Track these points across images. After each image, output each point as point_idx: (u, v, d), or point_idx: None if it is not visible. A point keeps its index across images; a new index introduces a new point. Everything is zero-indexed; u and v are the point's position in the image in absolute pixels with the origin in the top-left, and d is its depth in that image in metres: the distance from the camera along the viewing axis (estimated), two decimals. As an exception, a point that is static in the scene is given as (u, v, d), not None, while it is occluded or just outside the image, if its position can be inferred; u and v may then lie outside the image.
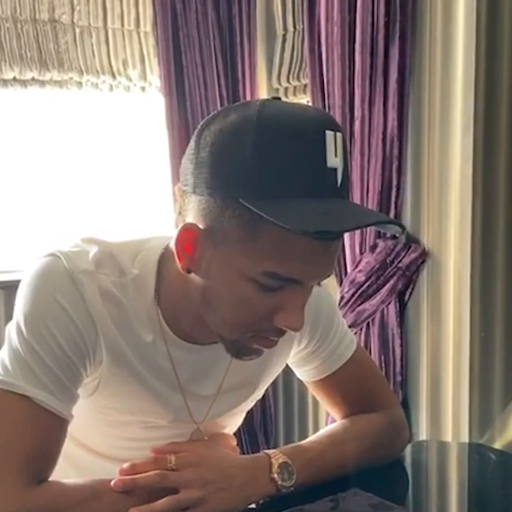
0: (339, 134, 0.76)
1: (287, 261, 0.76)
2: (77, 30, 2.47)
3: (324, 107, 2.37)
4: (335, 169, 0.75)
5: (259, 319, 0.81)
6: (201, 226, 0.79)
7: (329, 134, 0.75)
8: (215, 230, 0.78)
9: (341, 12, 2.22)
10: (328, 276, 0.82)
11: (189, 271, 0.83)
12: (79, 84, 2.50)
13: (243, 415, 1.10)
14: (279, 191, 0.73)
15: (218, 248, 0.79)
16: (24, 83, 2.41)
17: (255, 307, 0.80)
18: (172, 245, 0.84)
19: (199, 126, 0.81)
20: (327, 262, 0.80)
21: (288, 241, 0.74)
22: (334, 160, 0.75)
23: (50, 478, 0.84)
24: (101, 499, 0.82)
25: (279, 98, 0.82)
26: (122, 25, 2.56)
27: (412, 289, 2.23)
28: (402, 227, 0.80)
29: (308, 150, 0.74)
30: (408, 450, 1.12)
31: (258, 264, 0.76)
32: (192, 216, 0.80)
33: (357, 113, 2.23)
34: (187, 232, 0.80)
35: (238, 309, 0.81)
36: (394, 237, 2.21)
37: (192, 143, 0.81)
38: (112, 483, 0.83)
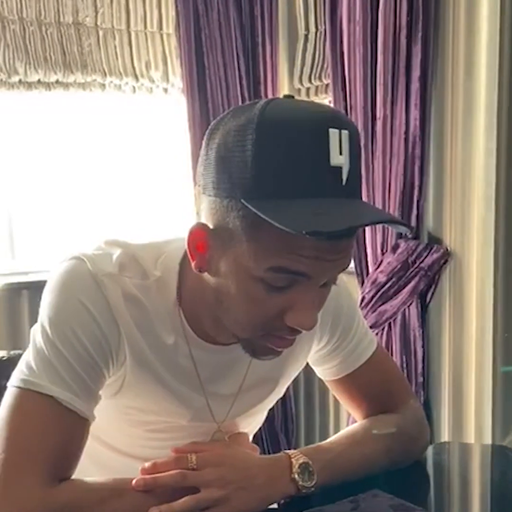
0: (345, 132, 0.75)
1: (292, 255, 0.75)
2: (101, 33, 2.50)
3: (346, 107, 2.36)
4: (340, 168, 0.74)
5: (270, 318, 0.81)
6: (210, 226, 0.80)
7: (332, 132, 0.74)
8: (222, 230, 0.78)
9: (363, 12, 2.22)
10: (342, 271, 0.81)
11: (201, 270, 0.83)
12: (102, 86, 2.53)
13: (264, 414, 1.11)
14: (279, 191, 0.73)
15: (226, 248, 0.79)
16: (48, 85, 2.45)
17: (265, 307, 0.80)
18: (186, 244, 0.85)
19: (209, 128, 0.82)
20: (336, 258, 0.78)
21: (291, 239, 0.73)
22: (338, 158, 0.74)
23: (73, 476, 0.85)
24: (122, 498, 0.83)
25: (292, 96, 0.81)
26: (145, 27, 2.58)
27: (434, 289, 2.22)
28: (407, 226, 0.79)
29: (308, 148, 0.73)
30: (429, 451, 1.11)
31: (263, 261, 0.76)
32: (204, 216, 0.81)
33: (379, 113, 2.22)
34: (198, 232, 0.81)
35: (248, 308, 0.81)
36: (415, 237, 2.20)
37: (203, 144, 0.82)
38: (133, 482, 0.84)
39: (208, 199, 0.79)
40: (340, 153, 0.74)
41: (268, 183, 0.74)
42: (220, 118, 0.81)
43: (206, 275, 0.84)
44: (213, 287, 0.84)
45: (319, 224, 0.71)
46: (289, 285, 0.78)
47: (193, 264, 0.84)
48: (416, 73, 2.12)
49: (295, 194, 0.73)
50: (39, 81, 2.43)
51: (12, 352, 1.22)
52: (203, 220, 0.81)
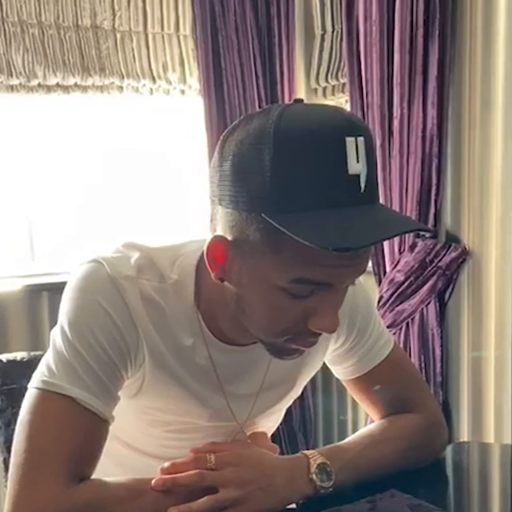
0: (360, 139, 0.75)
1: (314, 267, 0.76)
2: (118, 35, 2.52)
3: (363, 106, 2.36)
4: (358, 175, 0.75)
5: (293, 324, 0.82)
6: (229, 238, 0.80)
7: (349, 140, 0.74)
8: (242, 242, 0.79)
9: (380, 11, 2.21)
10: (362, 274, 0.82)
11: (221, 281, 0.84)
12: (120, 88, 2.54)
13: (282, 414, 1.11)
14: (300, 205, 0.74)
15: (246, 260, 0.80)
16: (66, 88, 2.47)
17: (288, 314, 0.81)
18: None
19: (221, 136, 0.82)
20: (357, 265, 0.79)
21: (314, 252, 0.73)
22: (356, 166, 0.74)
23: (94, 476, 0.86)
24: (142, 498, 0.84)
25: (302, 100, 0.81)
26: (162, 29, 2.59)
27: (452, 289, 2.21)
28: (430, 230, 0.79)
29: (327, 160, 0.73)
30: (448, 451, 1.11)
31: (286, 273, 0.77)
32: (220, 227, 0.81)
33: (396, 111, 2.21)
34: (216, 244, 0.82)
35: (270, 316, 0.82)
36: (433, 236, 2.19)
37: (216, 153, 0.82)
38: (152, 482, 0.84)
39: (225, 211, 0.80)
40: (358, 161, 0.74)
41: (287, 196, 0.74)
42: (232, 128, 0.81)
43: (227, 283, 0.85)
44: (234, 295, 0.84)
45: (345, 239, 0.72)
46: (311, 293, 0.79)
47: (212, 275, 0.84)
48: (433, 71, 2.11)
49: (315, 205, 0.74)
50: (57, 84, 2.44)
51: (32, 354, 1.24)
52: (220, 231, 0.81)
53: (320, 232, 0.72)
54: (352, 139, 0.74)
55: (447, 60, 2.11)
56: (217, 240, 0.82)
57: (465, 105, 2.11)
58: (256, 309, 0.83)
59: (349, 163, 0.74)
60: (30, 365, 0.98)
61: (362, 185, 0.75)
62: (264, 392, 1.00)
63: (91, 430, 0.85)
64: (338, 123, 0.75)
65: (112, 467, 0.98)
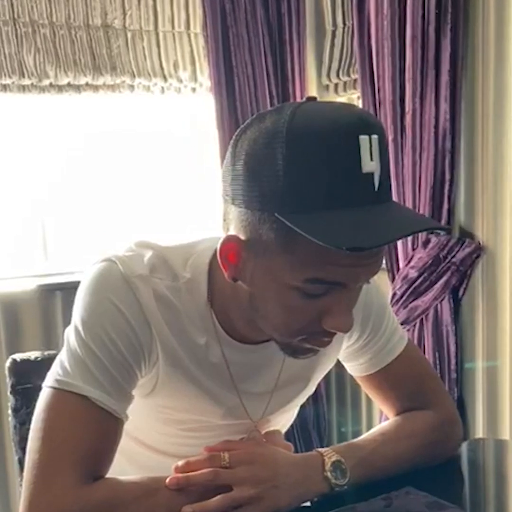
0: (374, 137, 0.74)
1: (328, 267, 0.76)
2: (129, 34, 2.52)
3: (374, 102, 2.35)
4: (372, 174, 0.74)
5: (307, 324, 0.82)
6: (242, 237, 0.80)
7: (363, 138, 0.73)
8: (255, 242, 0.79)
9: (391, 6, 2.20)
10: (375, 273, 0.81)
11: (234, 280, 0.84)
12: (131, 87, 2.55)
13: (296, 411, 1.11)
14: (314, 204, 0.73)
15: (259, 259, 0.80)
16: (78, 88, 2.47)
17: (302, 313, 0.81)
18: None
19: (234, 135, 0.81)
20: (372, 264, 0.79)
21: (329, 252, 0.73)
22: (370, 165, 0.74)
23: (109, 475, 0.86)
24: (156, 496, 0.84)
25: (315, 98, 0.80)
26: (173, 27, 2.59)
27: (467, 284, 2.20)
28: (444, 229, 0.79)
29: (340, 159, 0.73)
30: (464, 448, 1.11)
31: (300, 273, 0.77)
32: (233, 226, 0.81)
33: (408, 107, 2.20)
34: (229, 243, 0.82)
35: (285, 316, 0.82)
36: (446, 233, 2.18)
37: (228, 152, 0.81)
38: (166, 480, 0.84)
39: (238, 210, 0.79)
40: (371, 159, 0.74)
41: (301, 196, 0.74)
42: (245, 127, 0.80)
43: (240, 283, 0.84)
44: (248, 295, 0.84)
45: (360, 239, 0.71)
46: (325, 293, 0.79)
47: (226, 274, 0.84)
48: (445, 66, 2.10)
49: (329, 205, 0.73)
50: (69, 84, 2.45)
51: (46, 353, 1.24)
52: (233, 230, 0.81)
53: (334, 232, 0.71)
54: (366, 137, 0.74)
55: (459, 55, 2.10)
56: (230, 240, 0.82)
57: (478, 99, 2.09)
58: (270, 308, 0.83)
59: (363, 161, 0.73)
60: (44, 365, 0.99)
61: (376, 184, 0.75)
62: (279, 390, 1.00)
63: (105, 429, 0.85)
64: (351, 121, 0.75)
65: (127, 465, 0.99)
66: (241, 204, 0.78)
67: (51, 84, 2.43)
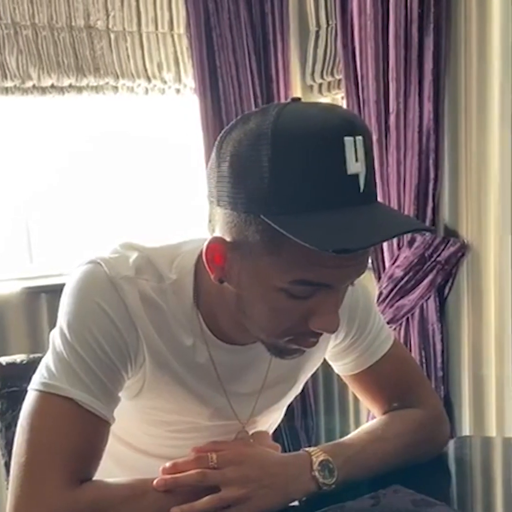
0: (359, 138, 0.74)
1: (315, 268, 0.76)
2: (112, 36, 2.51)
3: (359, 102, 2.36)
4: (357, 175, 0.74)
5: (294, 325, 0.82)
6: (227, 239, 0.80)
7: (348, 140, 0.73)
8: (241, 244, 0.79)
9: (374, 6, 2.21)
10: (361, 274, 0.82)
11: (221, 281, 0.84)
12: (115, 88, 2.54)
13: (283, 411, 1.11)
14: (299, 205, 0.73)
15: (245, 261, 0.80)
16: (61, 90, 2.46)
17: (289, 315, 0.81)
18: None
19: (219, 136, 0.81)
20: (358, 264, 0.79)
21: (314, 254, 0.73)
22: (355, 166, 0.74)
23: (96, 477, 0.85)
24: (144, 498, 0.84)
25: (299, 99, 0.80)
26: (156, 28, 2.59)
27: (452, 283, 2.21)
28: (430, 230, 0.79)
29: (326, 160, 0.73)
30: (450, 445, 1.11)
31: (286, 274, 0.77)
32: (219, 228, 0.81)
33: (392, 106, 2.21)
34: (215, 245, 0.82)
35: (271, 317, 0.82)
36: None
37: (213, 154, 0.81)
38: (154, 482, 0.84)
39: (223, 212, 0.79)
40: (356, 160, 0.74)
41: (286, 197, 0.74)
42: (230, 128, 0.80)
43: (226, 284, 0.84)
44: (234, 296, 0.84)
45: (345, 240, 0.71)
46: (312, 294, 0.79)
47: (212, 276, 0.84)
48: (428, 65, 2.11)
49: (314, 206, 0.73)
50: (52, 85, 2.44)
51: (31, 356, 1.23)
52: (219, 231, 0.81)
53: (320, 234, 0.72)
54: (351, 139, 0.74)
55: (442, 54, 2.11)
56: (216, 241, 0.81)
57: (461, 98, 2.11)
58: (256, 310, 0.83)
59: (348, 163, 0.74)
60: (29, 368, 0.98)
61: (361, 185, 0.75)
62: (266, 390, 1.00)
63: (92, 431, 0.84)
64: (336, 122, 0.75)
65: (114, 467, 0.98)
66: (227, 206, 0.78)
67: (34, 86, 2.41)
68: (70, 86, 2.46)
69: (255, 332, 0.86)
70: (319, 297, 0.79)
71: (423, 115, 2.15)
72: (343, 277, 0.79)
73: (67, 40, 2.43)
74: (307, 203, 0.73)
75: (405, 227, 0.79)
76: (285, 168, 0.73)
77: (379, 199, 0.81)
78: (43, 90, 2.43)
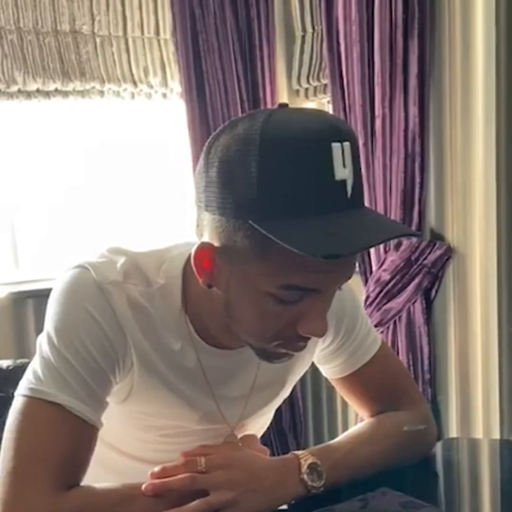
0: (346, 144, 0.75)
1: (303, 273, 0.76)
2: (98, 40, 2.51)
3: (345, 106, 2.37)
4: (345, 181, 0.75)
5: (282, 329, 0.82)
6: (216, 244, 0.80)
7: (335, 146, 0.74)
8: (230, 249, 0.79)
9: (359, 11, 2.22)
10: (349, 278, 0.82)
11: (209, 287, 0.84)
12: (101, 93, 2.53)
13: (272, 415, 1.11)
14: (287, 211, 0.74)
15: (234, 266, 0.80)
16: (47, 94, 2.45)
17: (277, 319, 0.81)
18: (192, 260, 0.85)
19: (207, 142, 0.81)
20: (346, 269, 0.80)
21: (301, 259, 0.73)
22: (342, 172, 0.74)
23: (84, 482, 0.85)
24: (132, 503, 0.83)
25: (287, 105, 0.81)
26: (142, 33, 2.58)
27: (438, 286, 2.22)
28: (417, 235, 0.80)
29: (313, 166, 0.74)
30: (438, 448, 1.12)
31: (275, 279, 0.77)
32: (207, 233, 0.81)
33: (378, 111, 2.22)
34: (203, 250, 0.82)
35: (260, 322, 0.82)
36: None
37: (201, 159, 0.81)
38: (142, 487, 0.84)
39: (211, 217, 0.79)
40: (344, 166, 0.75)
41: (275, 203, 0.74)
42: (218, 133, 0.80)
43: (215, 289, 0.84)
44: (223, 301, 0.84)
45: (334, 246, 0.72)
46: (300, 298, 0.80)
47: (200, 281, 0.84)
48: (413, 70, 2.12)
49: (303, 212, 0.74)
50: (38, 90, 2.43)
51: (18, 361, 1.23)
52: (207, 237, 0.81)
53: (309, 239, 0.72)
54: (338, 144, 0.74)
55: (427, 59, 2.12)
56: (204, 247, 0.82)
57: (446, 103, 2.12)
58: (245, 314, 0.83)
59: (335, 168, 0.74)
60: (16, 373, 0.98)
61: (349, 190, 0.75)
62: (255, 393, 1.00)
63: (79, 436, 0.84)
64: (324, 128, 0.75)
65: (102, 472, 0.98)
66: (215, 211, 0.79)
67: (19, 90, 2.40)
68: (56, 90, 2.45)
69: (243, 336, 0.86)
70: (307, 301, 0.80)
71: (409, 120, 2.16)
72: (331, 282, 0.80)
73: (52, 45, 2.42)
74: (295, 208, 0.74)
75: (392, 232, 0.79)
76: (273, 174, 0.74)
77: (366, 203, 0.82)
78: (29, 95, 2.42)
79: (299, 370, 1.05)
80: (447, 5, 2.08)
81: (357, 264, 0.90)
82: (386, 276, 2.26)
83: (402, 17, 2.11)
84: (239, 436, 1.00)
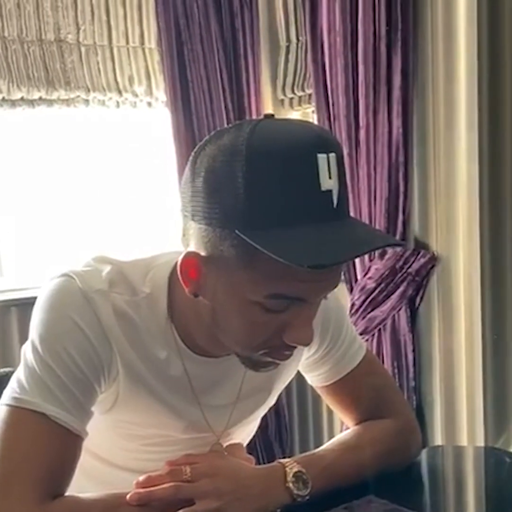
0: (332, 155, 0.76)
1: (289, 283, 0.77)
2: (83, 49, 2.50)
3: (329, 117, 2.38)
4: (330, 191, 0.76)
5: (268, 338, 0.83)
6: (202, 254, 0.80)
7: (321, 157, 0.75)
8: (216, 258, 0.79)
9: (343, 22, 2.24)
10: (335, 288, 0.83)
11: (196, 295, 0.84)
12: (86, 101, 2.53)
13: (257, 423, 1.11)
14: (273, 221, 0.74)
15: (221, 275, 0.80)
16: (32, 103, 2.44)
17: (263, 328, 0.82)
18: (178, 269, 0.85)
19: (193, 152, 0.82)
20: (331, 278, 0.80)
21: (287, 268, 0.74)
22: (328, 182, 0.75)
23: (69, 492, 0.84)
24: None
25: (272, 115, 0.81)
26: (127, 42, 2.59)
27: (423, 294, 2.23)
28: (401, 245, 0.81)
29: (300, 177, 0.74)
30: (423, 455, 1.12)
31: (261, 288, 0.78)
32: (193, 242, 0.81)
33: (362, 121, 2.24)
34: (189, 259, 0.82)
35: (246, 330, 0.82)
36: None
37: (187, 169, 0.82)
38: (127, 496, 0.83)
39: (198, 227, 0.80)
40: (330, 177, 0.75)
41: (261, 213, 0.75)
42: (204, 143, 0.81)
43: (201, 298, 0.85)
44: (209, 310, 0.84)
45: (321, 256, 0.73)
46: (286, 307, 0.80)
47: (187, 290, 0.84)
48: (397, 81, 2.14)
49: (288, 222, 0.74)
50: (22, 98, 2.42)
51: (2, 370, 1.22)
52: (193, 246, 0.82)
53: (295, 249, 0.72)
54: (324, 155, 0.75)
55: (410, 70, 2.14)
56: (191, 256, 0.82)
57: (429, 113, 2.14)
58: (231, 323, 0.83)
59: (321, 179, 0.75)
60: (0, 382, 0.97)
61: (335, 201, 0.76)
62: (241, 402, 1.00)
63: (64, 446, 0.84)
64: (310, 140, 0.76)
65: (86, 482, 0.97)
66: (201, 221, 0.79)
67: (3, 99, 2.39)
68: (41, 99, 2.45)
69: (229, 345, 0.87)
70: (293, 310, 0.80)
71: (392, 130, 2.18)
72: (317, 291, 0.80)
73: (37, 53, 2.42)
74: (282, 218, 0.74)
75: (377, 242, 0.80)
76: (260, 184, 0.74)
77: (351, 212, 0.82)
78: (13, 103, 2.42)
79: (285, 378, 1.06)
80: (430, 17, 2.10)
81: (342, 273, 0.91)
82: (371, 284, 2.27)
83: (386, 29, 2.13)
84: (225, 444, 1.00)
